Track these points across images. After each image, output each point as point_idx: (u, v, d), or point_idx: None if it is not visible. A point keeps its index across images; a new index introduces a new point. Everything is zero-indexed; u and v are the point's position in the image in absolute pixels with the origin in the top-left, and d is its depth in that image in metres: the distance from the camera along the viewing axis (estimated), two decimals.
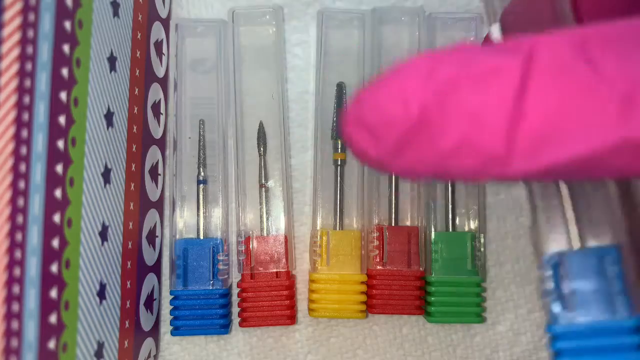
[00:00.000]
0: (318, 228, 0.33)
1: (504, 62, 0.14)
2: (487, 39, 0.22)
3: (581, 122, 0.14)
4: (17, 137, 0.19)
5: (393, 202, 0.33)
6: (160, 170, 0.34)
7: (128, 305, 0.29)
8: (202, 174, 0.33)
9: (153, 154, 0.33)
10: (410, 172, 0.15)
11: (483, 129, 0.14)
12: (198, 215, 0.33)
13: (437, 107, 0.14)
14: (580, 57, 0.14)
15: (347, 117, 0.15)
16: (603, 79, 0.14)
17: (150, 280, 0.32)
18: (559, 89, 0.14)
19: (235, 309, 0.33)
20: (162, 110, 0.34)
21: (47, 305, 0.21)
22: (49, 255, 0.21)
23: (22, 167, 0.19)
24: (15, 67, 0.19)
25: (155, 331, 0.33)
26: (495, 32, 0.19)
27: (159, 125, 0.34)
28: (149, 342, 0.32)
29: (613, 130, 0.14)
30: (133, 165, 0.29)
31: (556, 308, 0.20)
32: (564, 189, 0.20)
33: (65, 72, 0.22)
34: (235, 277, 0.34)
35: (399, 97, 0.14)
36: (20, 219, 0.19)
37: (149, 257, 0.32)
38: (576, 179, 0.17)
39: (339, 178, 0.33)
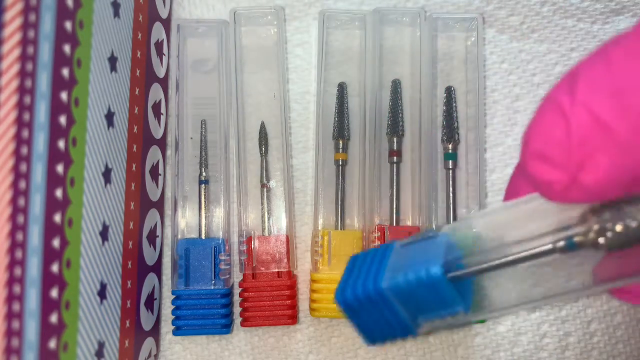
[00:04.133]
0: (319, 228, 0.33)
1: None
2: None
3: None
4: (17, 137, 0.19)
5: (394, 202, 0.33)
6: (160, 170, 0.34)
7: (128, 305, 0.29)
8: (204, 174, 0.33)
9: (153, 154, 0.33)
10: (595, 189, 0.15)
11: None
12: (200, 215, 0.33)
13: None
14: None
15: (523, 158, 0.16)
16: None
17: (150, 280, 0.32)
18: None
19: (236, 309, 0.33)
20: (163, 110, 0.34)
21: (47, 305, 0.21)
22: (49, 255, 0.21)
23: (23, 167, 0.19)
24: (16, 68, 0.19)
25: (155, 331, 0.33)
26: None
27: (160, 125, 0.34)
28: (149, 342, 0.32)
29: None
30: (133, 165, 0.30)
31: None
32: None
33: (66, 72, 0.22)
34: (236, 277, 0.34)
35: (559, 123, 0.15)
36: (21, 219, 0.19)
37: (150, 257, 0.32)
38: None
39: (340, 178, 0.33)
